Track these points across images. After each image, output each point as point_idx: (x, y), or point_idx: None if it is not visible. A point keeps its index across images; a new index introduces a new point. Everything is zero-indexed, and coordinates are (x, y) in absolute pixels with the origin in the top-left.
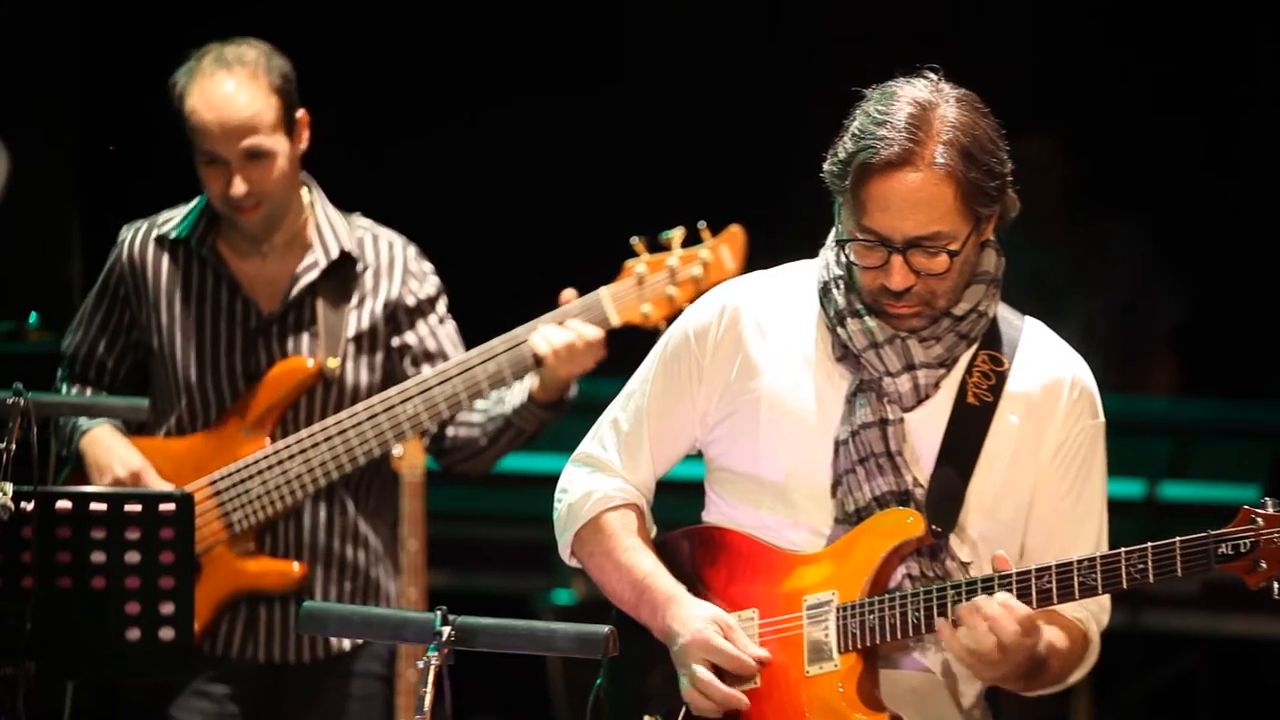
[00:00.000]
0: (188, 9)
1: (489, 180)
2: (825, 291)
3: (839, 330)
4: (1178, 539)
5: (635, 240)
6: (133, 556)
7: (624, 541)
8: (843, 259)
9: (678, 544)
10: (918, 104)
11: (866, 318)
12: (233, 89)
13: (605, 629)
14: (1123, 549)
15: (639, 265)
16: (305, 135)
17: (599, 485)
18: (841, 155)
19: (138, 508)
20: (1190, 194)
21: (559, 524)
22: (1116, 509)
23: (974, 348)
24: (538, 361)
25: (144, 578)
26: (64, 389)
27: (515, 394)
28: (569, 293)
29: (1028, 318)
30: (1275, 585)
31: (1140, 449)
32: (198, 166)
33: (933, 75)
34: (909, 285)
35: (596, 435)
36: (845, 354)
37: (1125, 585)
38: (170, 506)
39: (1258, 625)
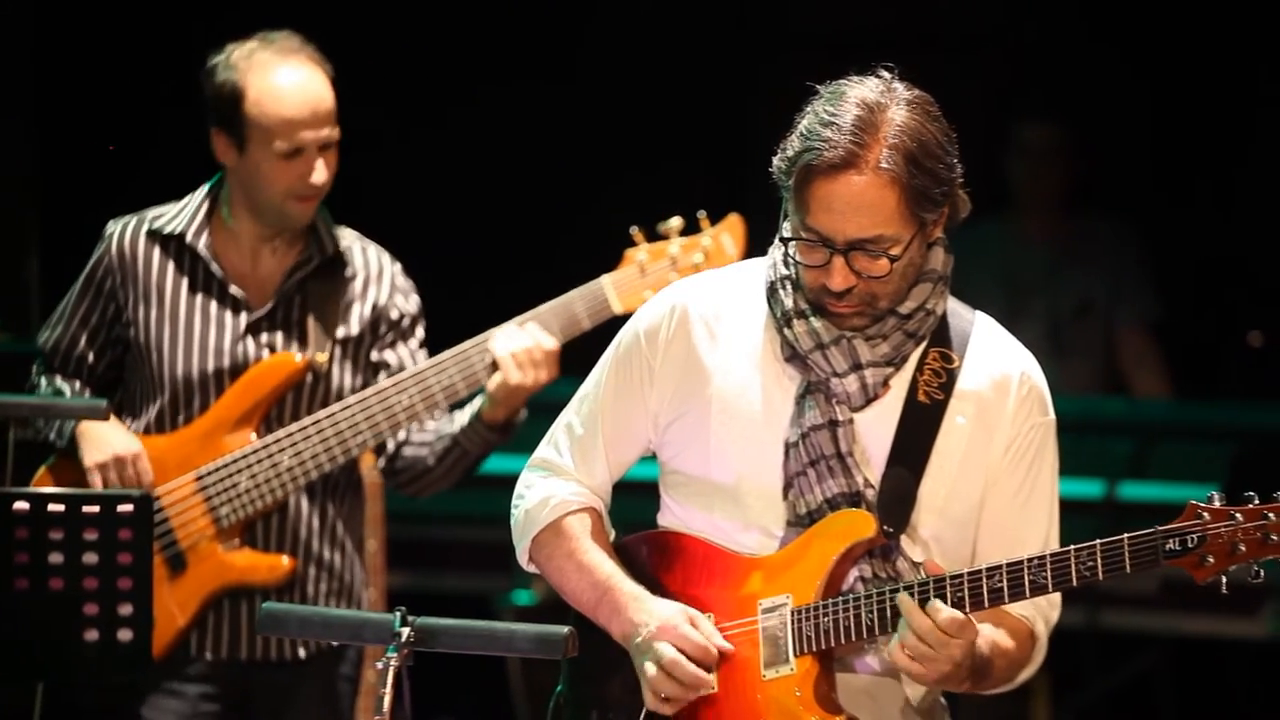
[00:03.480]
0: (148, 11)
1: (453, 181)
2: (772, 291)
3: (786, 331)
4: (1126, 535)
5: (634, 230)
6: (90, 557)
7: (584, 543)
8: (790, 258)
9: (634, 549)
10: (865, 105)
11: (812, 318)
12: (311, 76)
13: (565, 629)
14: (1072, 546)
15: (640, 253)
16: None
17: (556, 490)
18: (789, 153)
19: (95, 508)
20: (1155, 194)
21: (516, 530)
22: (1076, 508)
23: (924, 345)
24: (493, 367)
25: (102, 579)
26: (42, 383)
27: (463, 414)
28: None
29: (978, 313)
30: (1223, 580)
31: (1099, 449)
32: (260, 160)
33: (886, 75)
34: (850, 286)
35: (551, 440)
36: (793, 354)
37: (1075, 582)
38: (129, 507)
39: (1216, 625)
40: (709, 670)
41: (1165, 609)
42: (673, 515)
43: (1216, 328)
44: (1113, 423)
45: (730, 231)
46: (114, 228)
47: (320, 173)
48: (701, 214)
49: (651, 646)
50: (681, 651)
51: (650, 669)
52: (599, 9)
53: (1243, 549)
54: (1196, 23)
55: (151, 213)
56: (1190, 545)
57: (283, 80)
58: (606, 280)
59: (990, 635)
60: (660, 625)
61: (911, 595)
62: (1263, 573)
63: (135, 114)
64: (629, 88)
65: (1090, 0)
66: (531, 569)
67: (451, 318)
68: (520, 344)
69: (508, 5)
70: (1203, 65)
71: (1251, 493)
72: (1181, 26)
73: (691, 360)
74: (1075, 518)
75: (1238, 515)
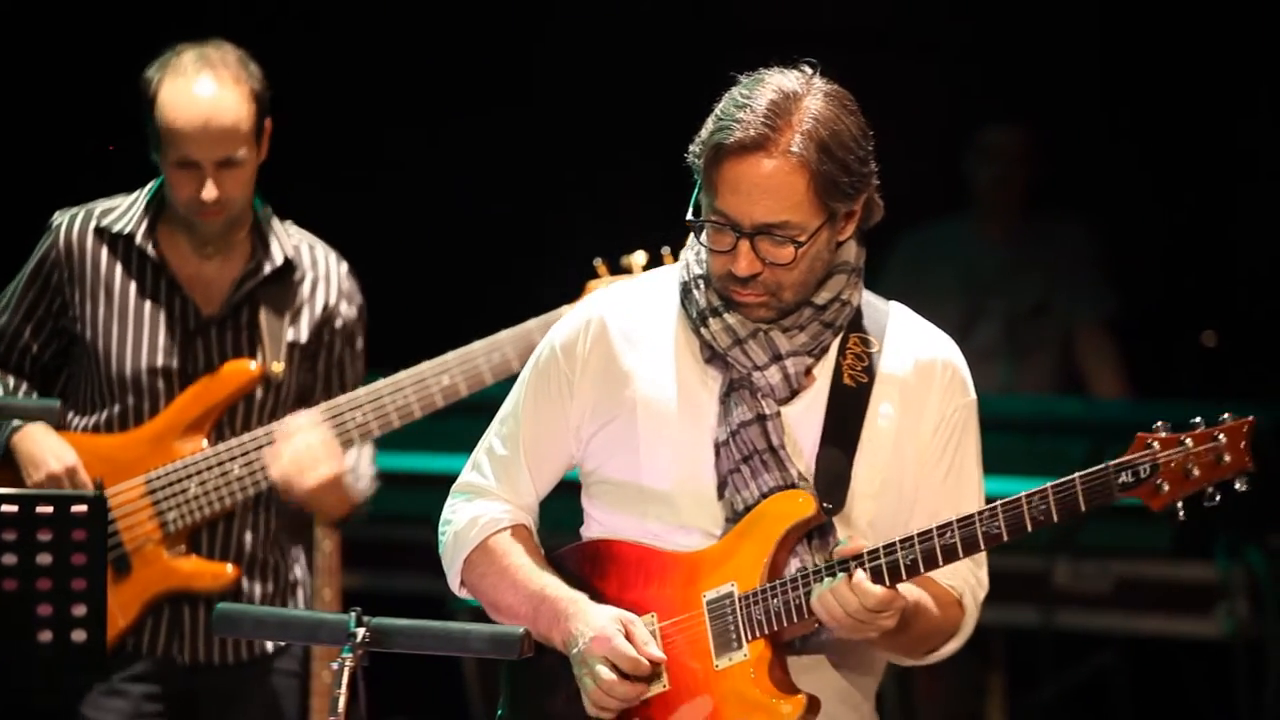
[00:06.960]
0: (96, 9)
1: (421, 195)
2: (686, 292)
3: (703, 331)
4: (1077, 474)
5: (598, 261)
6: (44, 558)
7: (517, 558)
8: (702, 254)
9: (564, 561)
10: (782, 92)
11: (726, 315)
12: (216, 93)
13: (520, 629)
14: (1023, 493)
15: (601, 285)
16: (266, 144)
17: (484, 510)
18: (703, 135)
19: (49, 509)
20: (1111, 194)
21: (446, 554)
22: None
23: (842, 333)
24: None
25: (56, 580)
26: None
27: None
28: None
29: (893, 302)
30: (1179, 506)
31: (1054, 449)
32: (163, 166)
33: (808, 68)
34: (755, 272)
35: (474, 465)
36: (713, 355)
37: (1030, 528)
38: (82, 508)
39: (1171, 625)
40: (652, 677)
41: (1120, 609)
42: (600, 525)
43: (1170, 328)
44: (1067, 422)
45: None
46: (61, 219)
47: (211, 190)
48: (665, 250)
49: (586, 662)
50: (616, 667)
51: (588, 684)
52: (552, 23)
53: (1196, 473)
54: (1155, 23)
55: (100, 207)
56: (1143, 475)
57: (183, 92)
58: (567, 310)
59: (913, 595)
60: (595, 637)
61: (862, 564)
62: (1219, 496)
63: (80, 106)
64: (587, 94)
65: (1049, 2)
66: (463, 593)
67: (416, 335)
68: (294, 455)
69: (461, 23)
70: (1161, 65)
71: (1198, 418)
72: (1141, 26)
73: (612, 370)
74: None
75: (1187, 441)
